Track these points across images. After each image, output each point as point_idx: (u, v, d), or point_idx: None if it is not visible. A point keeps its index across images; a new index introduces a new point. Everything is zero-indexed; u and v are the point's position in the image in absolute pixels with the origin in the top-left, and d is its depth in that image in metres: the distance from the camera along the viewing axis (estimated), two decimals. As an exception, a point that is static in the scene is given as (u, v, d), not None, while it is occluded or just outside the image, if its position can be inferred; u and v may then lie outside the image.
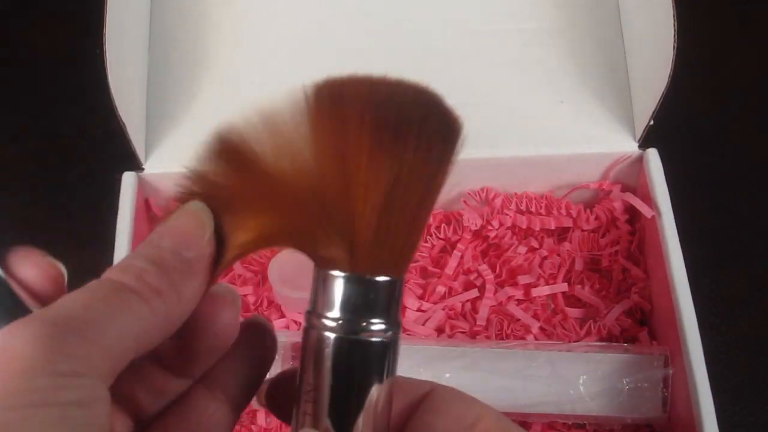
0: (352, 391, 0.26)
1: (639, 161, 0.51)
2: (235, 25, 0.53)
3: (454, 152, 0.27)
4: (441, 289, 0.53)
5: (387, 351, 0.26)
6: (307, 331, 0.27)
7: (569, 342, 0.51)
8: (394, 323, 0.27)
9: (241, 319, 0.28)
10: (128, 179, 0.50)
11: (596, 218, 0.53)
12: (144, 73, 0.52)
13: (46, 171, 0.63)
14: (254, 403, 0.49)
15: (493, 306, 0.52)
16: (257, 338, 0.29)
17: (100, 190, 0.56)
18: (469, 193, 0.53)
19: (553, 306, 0.53)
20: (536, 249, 0.53)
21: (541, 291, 0.52)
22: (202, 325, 0.26)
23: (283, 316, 0.52)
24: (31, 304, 0.25)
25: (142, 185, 0.50)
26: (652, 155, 0.50)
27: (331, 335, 0.26)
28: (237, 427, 0.49)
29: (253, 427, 0.49)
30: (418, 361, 0.47)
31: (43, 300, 0.26)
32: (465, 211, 0.53)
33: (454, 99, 0.51)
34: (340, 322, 0.26)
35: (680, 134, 0.61)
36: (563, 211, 0.53)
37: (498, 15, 0.54)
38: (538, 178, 0.53)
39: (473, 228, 0.53)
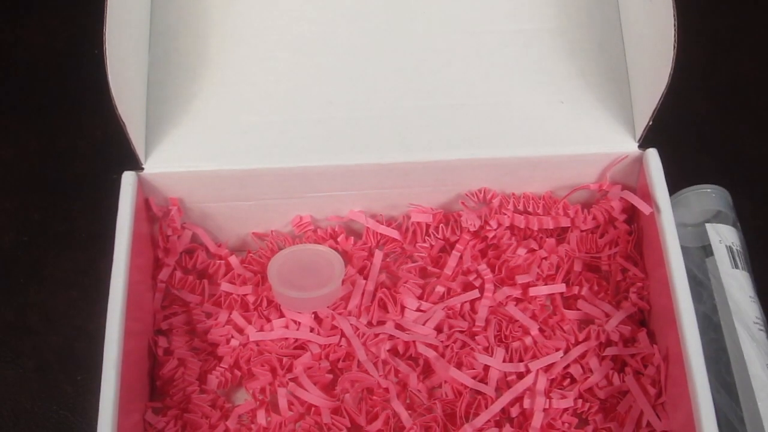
0: None
1: (639, 161, 0.51)
2: (235, 25, 0.53)
3: None
4: (440, 289, 0.53)
5: None
6: None
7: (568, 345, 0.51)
8: None
9: None
10: (128, 179, 0.49)
11: (593, 218, 0.53)
12: (144, 72, 0.52)
13: (46, 171, 0.63)
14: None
15: (492, 306, 0.52)
16: None
17: (99, 189, 0.56)
18: (467, 194, 0.53)
19: (552, 308, 0.53)
20: (535, 250, 0.54)
21: (539, 291, 0.52)
22: None
23: (282, 315, 0.52)
24: None
25: (142, 185, 0.50)
26: (652, 155, 0.50)
27: None
28: (237, 426, 0.49)
29: (252, 426, 0.49)
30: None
31: None
32: (463, 211, 0.53)
33: (453, 99, 0.52)
34: None
35: (680, 134, 0.61)
36: (561, 212, 0.53)
37: (498, 15, 0.54)
38: (537, 178, 0.53)
39: (472, 229, 0.53)
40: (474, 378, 0.50)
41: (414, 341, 0.51)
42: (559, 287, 0.52)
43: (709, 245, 0.54)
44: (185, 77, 0.52)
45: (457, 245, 0.53)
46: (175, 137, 0.51)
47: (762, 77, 0.66)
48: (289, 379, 0.50)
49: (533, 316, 0.52)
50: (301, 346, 0.52)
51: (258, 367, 0.51)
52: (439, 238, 0.54)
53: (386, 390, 0.50)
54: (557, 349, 0.51)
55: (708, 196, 0.56)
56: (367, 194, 0.53)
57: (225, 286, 0.53)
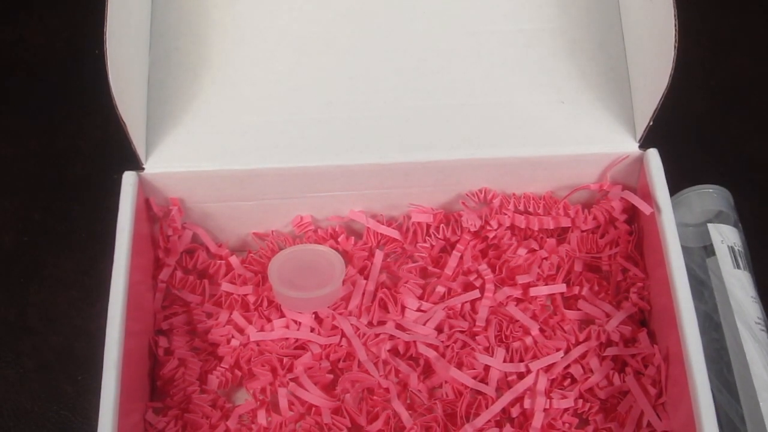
0: None
1: (639, 161, 0.51)
2: (236, 24, 0.53)
3: None
4: (441, 289, 0.53)
5: None
6: None
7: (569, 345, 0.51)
8: None
9: None
10: (128, 179, 0.49)
11: (594, 218, 0.53)
12: (145, 72, 0.52)
13: (46, 171, 0.63)
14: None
15: (492, 306, 0.52)
16: None
17: (100, 190, 0.56)
18: (468, 195, 0.53)
19: (552, 308, 0.53)
20: (536, 250, 0.54)
21: (540, 291, 0.52)
22: None
23: (282, 315, 0.52)
24: None
25: (142, 185, 0.50)
26: (653, 155, 0.50)
27: None
28: (237, 426, 0.49)
29: (253, 426, 0.49)
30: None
31: None
32: (464, 211, 0.53)
33: (453, 99, 0.52)
34: None
35: (680, 134, 0.61)
36: (561, 212, 0.53)
37: (498, 15, 0.54)
38: (538, 178, 0.53)
39: (472, 229, 0.53)
40: (474, 378, 0.50)
41: (414, 341, 0.51)
42: (560, 287, 0.52)
43: (711, 245, 0.54)
44: (186, 77, 0.52)
45: (458, 245, 0.53)
46: (175, 137, 0.51)
47: (762, 77, 0.66)
48: (289, 379, 0.50)
49: (534, 316, 0.52)
50: (302, 346, 0.52)
51: (258, 367, 0.51)
52: (440, 238, 0.54)
53: (387, 390, 0.50)
54: (558, 349, 0.51)
55: (710, 196, 0.56)
56: (368, 194, 0.53)
57: (225, 286, 0.53)
